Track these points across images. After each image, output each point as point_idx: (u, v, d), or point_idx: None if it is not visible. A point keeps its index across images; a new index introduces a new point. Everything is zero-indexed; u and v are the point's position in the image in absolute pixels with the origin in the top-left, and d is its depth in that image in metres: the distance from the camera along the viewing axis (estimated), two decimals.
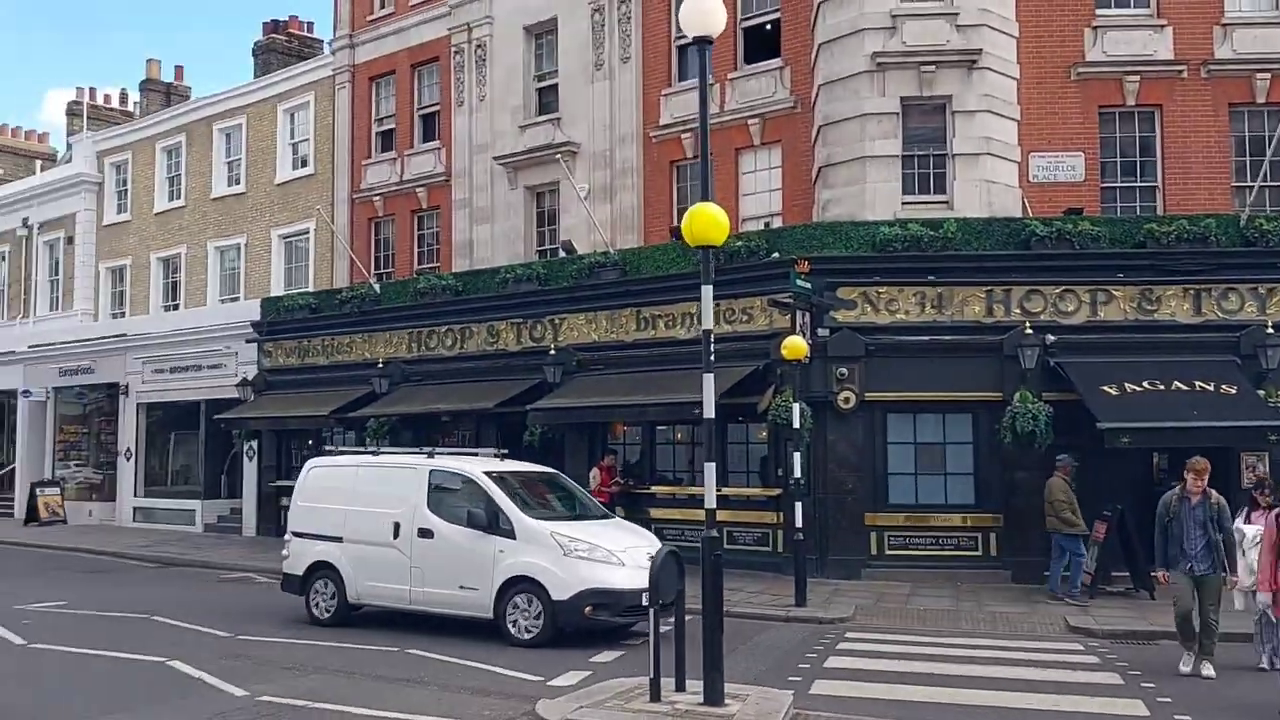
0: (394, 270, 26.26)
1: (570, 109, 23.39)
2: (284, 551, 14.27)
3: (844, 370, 17.00)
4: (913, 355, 16.96)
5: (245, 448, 26.15)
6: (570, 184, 21.70)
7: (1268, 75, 17.97)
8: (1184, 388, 15.89)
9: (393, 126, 26.89)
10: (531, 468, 14.74)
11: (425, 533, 12.68)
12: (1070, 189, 18.16)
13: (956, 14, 17.81)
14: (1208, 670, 10.35)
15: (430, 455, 13.76)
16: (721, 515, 18.05)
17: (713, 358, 8.94)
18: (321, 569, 13.51)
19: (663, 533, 18.77)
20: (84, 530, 27.83)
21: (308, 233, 28.24)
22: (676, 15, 21.55)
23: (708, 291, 8.88)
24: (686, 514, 18.50)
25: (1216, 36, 18.23)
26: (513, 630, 11.91)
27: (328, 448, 15.43)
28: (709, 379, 8.84)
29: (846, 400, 16.99)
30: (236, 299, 29.47)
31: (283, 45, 32.26)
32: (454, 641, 12.02)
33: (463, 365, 22.39)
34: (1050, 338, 16.70)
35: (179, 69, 37.56)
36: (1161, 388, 15.93)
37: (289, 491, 25.09)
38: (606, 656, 11.22)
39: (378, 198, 26.67)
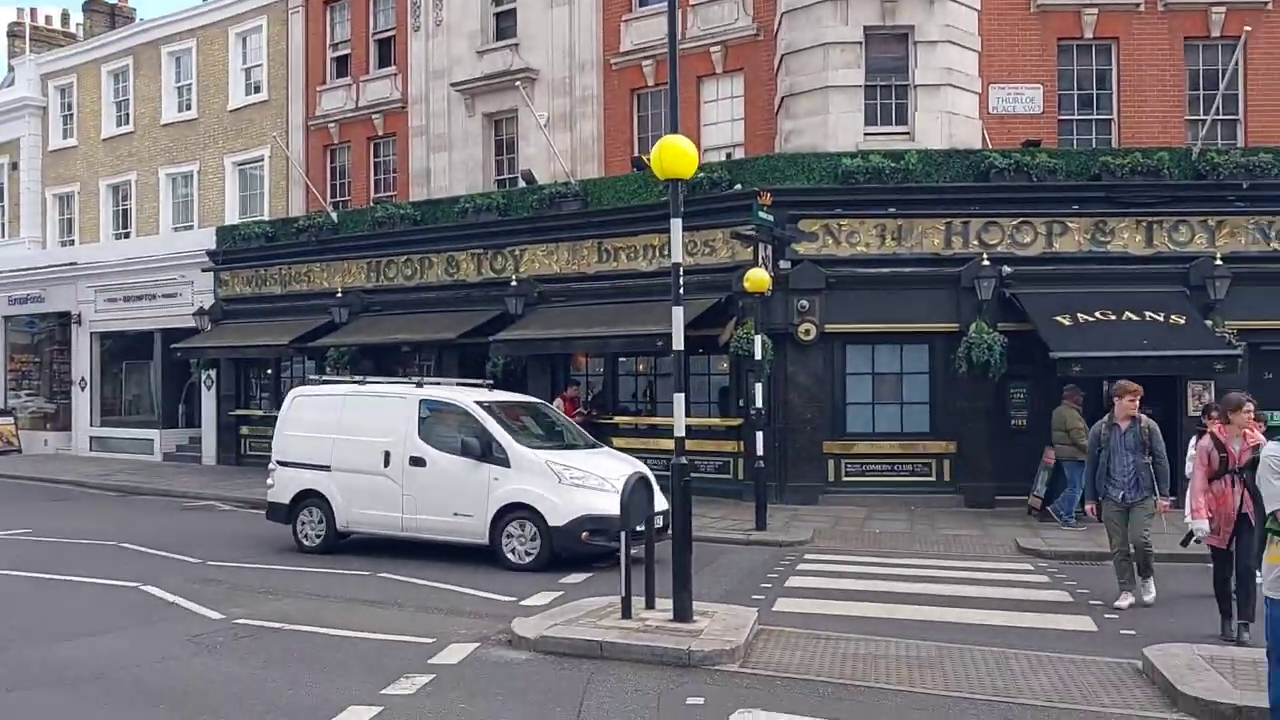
0: (350, 199, 26.00)
1: (529, 34, 23.12)
2: (269, 480, 14.22)
3: (805, 302, 17.23)
4: (872, 287, 17.23)
5: (203, 377, 26.00)
6: (530, 111, 21.53)
7: (1223, 9, 18.19)
8: (1135, 318, 16.30)
9: (348, 52, 26.42)
10: (519, 398, 14.84)
11: (417, 461, 12.75)
12: (1029, 121, 18.37)
13: None
14: (1148, 595, 10.11)
15: (419, 385, 13.75)
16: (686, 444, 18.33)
17: (682, 290, 9.01)
18: (309, 497, 13.55)
19: None
20: (41, 459, 27.66)
21: (262, 160, 27.80)
22: None
23: (677, 224, 8.99)
24: (648, 443, 18.74)
25: None
26: (510, 555, 12.09)
27: (312, 377, 15.34)
28: (678, 311, 9.01)
29: (807, 332, 17.25)
30: (190, 227, 29.04)
31: None
32: (425, 566, 12.25)
33: (422, 295, 22.36)
34: (1006, 269, 17.02)
35: None
36: (1113, 318, 16.33)
37: (248, 420, 25.36)
38: (575, 578, 11.49)
39: (333, 125, 26.29)
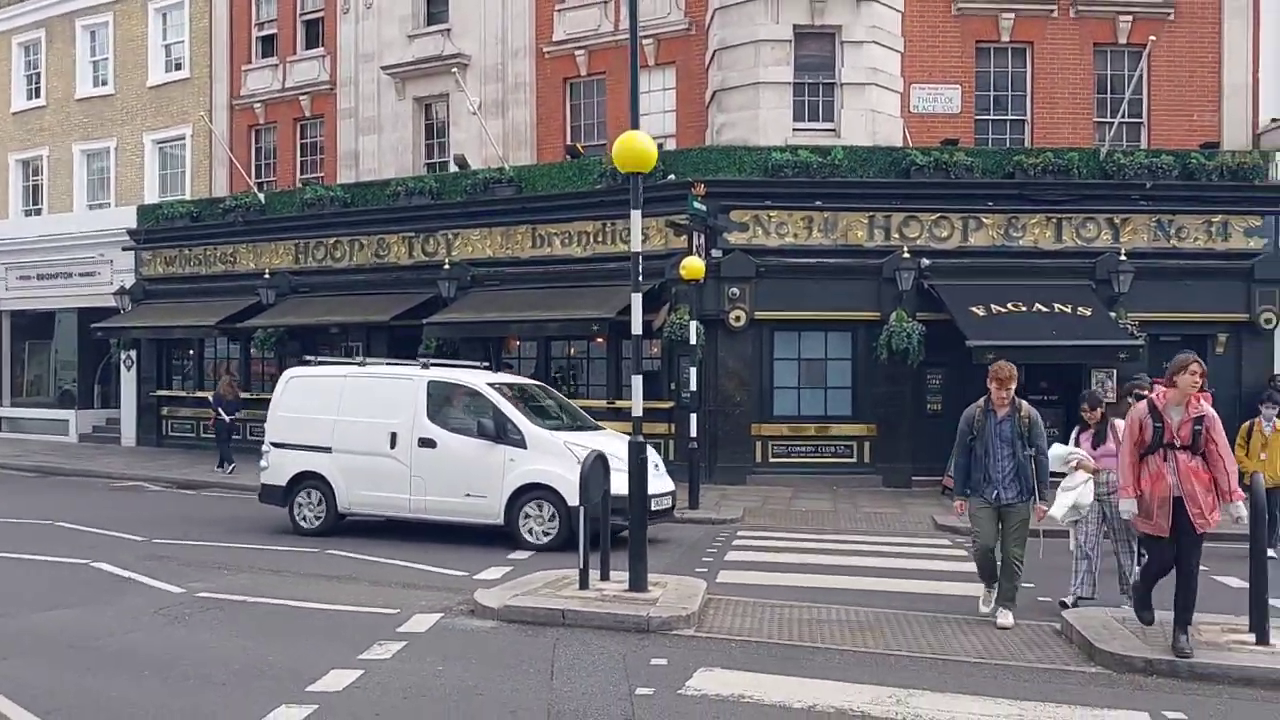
0: (276, 180, 25.87)
1: (461, 20, 23.28)
2: (262, 463, 14.04)
3: (735, 290, 17.85)
4: (799, 276, 17.94)
5: (123, 357, 25.65)
6: (464, 97, 21.71)
7: (1130, 18, 19.25)
8: (1044, 309, 17.27)
9: (274, 31, 26.23)
10: (522, 379, 14.90)
11: (427, 442, 12.70)
12: (947, 120, 19.22)
13: None
14: (1005, 619, 8.51)
15: (425, 366, 13.63)
16: (618, 426, 18.94)
17: (641, 278, 9.48)
18: (307, 479, 13.42)
19: None
20: None
21: (184, 138, 27.44)
22: None
23: (636, 216, 9.41)
24: None
25: None
26: (527, 536, 12.18)
27: (308, 358, 15.20)
28: (637, 298, 9.47)
29: (737, 318, 17.87)
30: (106, 205, 28.55)
31: None
32: (369, 543, 12.56)
33: (352, 277, 22.45)
34: (925, 261, 17.86)
35: None
36: (1024, 309, 17.27)
37: (171, 401, 25.13)
38: (521, 555, 11.89)
39: (259, 105, 26.10)
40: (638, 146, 9.01)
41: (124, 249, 25.73)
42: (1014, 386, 8.56)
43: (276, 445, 13.85)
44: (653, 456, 13.00)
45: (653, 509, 12.26)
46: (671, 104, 20.70)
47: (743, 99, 18.68)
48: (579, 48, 21.56)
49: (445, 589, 9.98)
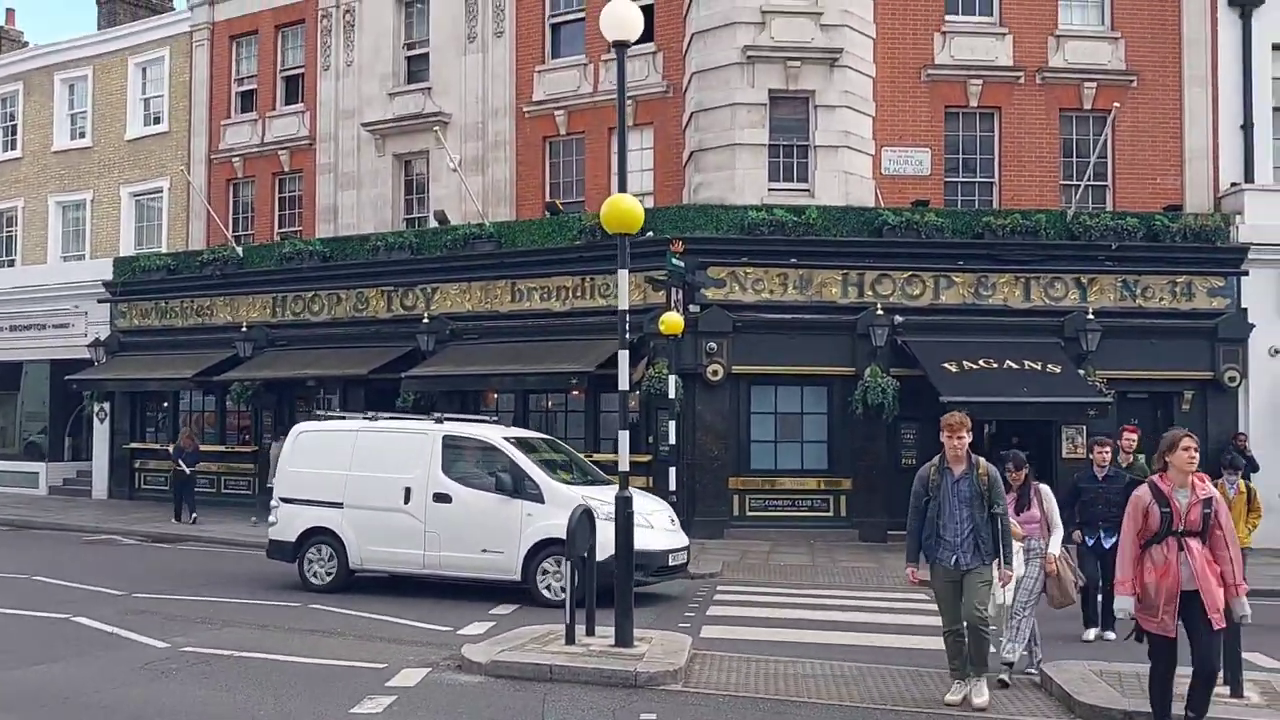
0: (254, 233, 25.98)
1: (442, 79, 23.64)
2: (271, 518, 13.79)
3: (713, 345, 18.11)
4: (776, 332, 18.24)
5: (96, 409, 25.51)
6: (445, 154, 21.95)
7: (1094, 84, 19.86)
8: (1015, 366, 17.64)
9: (254, 87, 26.49)
10: (535, 434, 14.82)
11: (442, 497, 12.58)
12: (918, 182, 19.68)
13: (821, 14, 19.02)
14: (980, 697, 7.80)
15: (439, 421, 13.54)
16: None
17: (627, 334, 9.69)
18: (317, 535, 13.19)
19: None
20: None
21: (161, 191, 27.54)
22: None
23: (624, 275, 9.68)
24: None
25: (1051, 46, 20.01)
26: (545, 592, 12.03)
27: (318, 412, 15.13)
28: (624, 355, 9.68)
29: (715, 373, 18.12)
30: (81, 257, 28.53)
31: None
32: (353, 598, 12.57)
33: (330, 331, 22.55)
34: (898, 318, 18.21)
35: (10, 12, 35.63)
36: (995, 366, 17.64)
37: (144, 454, 24.99)
38: (503, 610, 11.96)
39: (237, 159, 26.28)
40: (626, 208, 9.27)
41: (99, 301, 25.70)
42: (968, 437, 7.77)
43: (286, 500, 13.58)
44: (668, 512, 13.16)
45: (670, 564, 12.49)
46: (649, 163, 21.08)
47: (719, 159, 19.09)
48: (559, 108, 21.95)
49: (430, 644, 10.04)
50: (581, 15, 22.03)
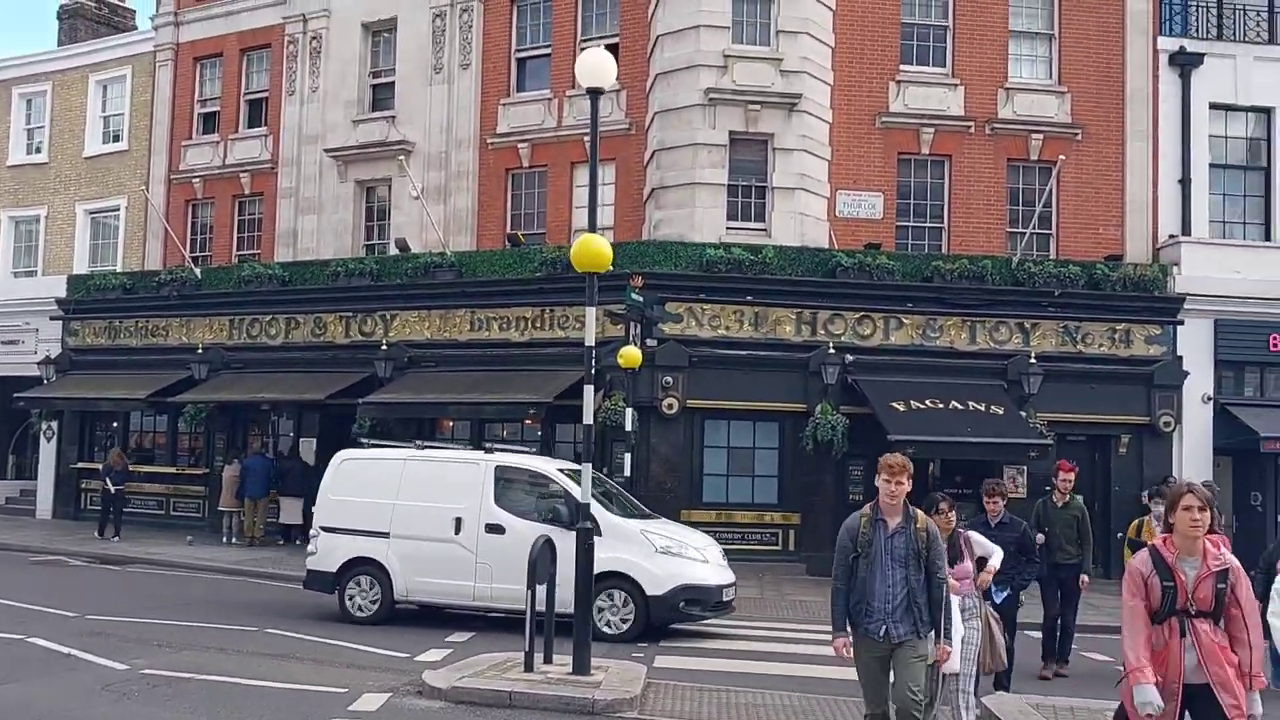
0: (212, 255, 25.96)
1: (407, 108, 23.90)
2: (310, 547, 13.50)
3: (669, 379, 18.47)
4: (730, 367, 18.66)
5: (44, 428, 25.28)
6: (409, 181, 22.17)
7: (1041, 136, 20.59)
8: (960, 407, 18.18)
9: (217, 109, 26.55)
10: (573, 465, 14.54)
11: (495, 528, 12.41)
12: (870, 225, 20.24)
13: (781, 60, 19.58)
14: None
15: (490, 450, 13.45)
16: None
17: (595, 367, 10.00)
18: (360, 565, 12.90)
19: None
20: None
21: (118, 210, 27.46)
22: (517, 27, 22.82)
23: (591, 313, 9.99)
24: None
25: (1000, 98, 20.73)
26: (602, 627, 11.88)
27: (362, 440, 14.89)
28: (589, 390, 9.96)
29: (670, 406, 18.47)
30: (34, 273, 28.32)
31: (92, 12, 31.20)
32: (304, 623, 12.68)
33: (287, 355, 22.61)
34: (849, 357, 18.70)
35: None
36: (941, 406, 18.16)
37: (91, 474, 24.78)
38: (459, 637, 12.15)
39: (198, 180, 26.29)
40: (595, 249, 9.60)
41: (52, 318, 25.53)
42: (907, 484, 6.51)
43: (326, 530, 13.26)
44: (717, 547, 13.21)
45: (724, 599, 12.58)
46: (611, 198, 21.44)
47: (679, 197, 19.52)
48: (522, 140, 22.29)
49: (389, 669, 10.22)
50: (548, 50, 22.45)
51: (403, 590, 12.79)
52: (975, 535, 8.62)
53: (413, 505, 12.79)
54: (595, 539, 11.96)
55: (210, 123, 26.71)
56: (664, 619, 12.16)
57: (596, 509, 12.27)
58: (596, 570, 11.80)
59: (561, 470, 13.08)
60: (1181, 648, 5.14)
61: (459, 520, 12.53)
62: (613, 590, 12.05)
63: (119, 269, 26.43)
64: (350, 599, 12.98)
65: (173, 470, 24.28)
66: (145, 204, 26.22)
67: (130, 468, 22.69)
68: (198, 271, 23.96)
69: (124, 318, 24.72)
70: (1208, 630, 5.13)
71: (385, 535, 12.85)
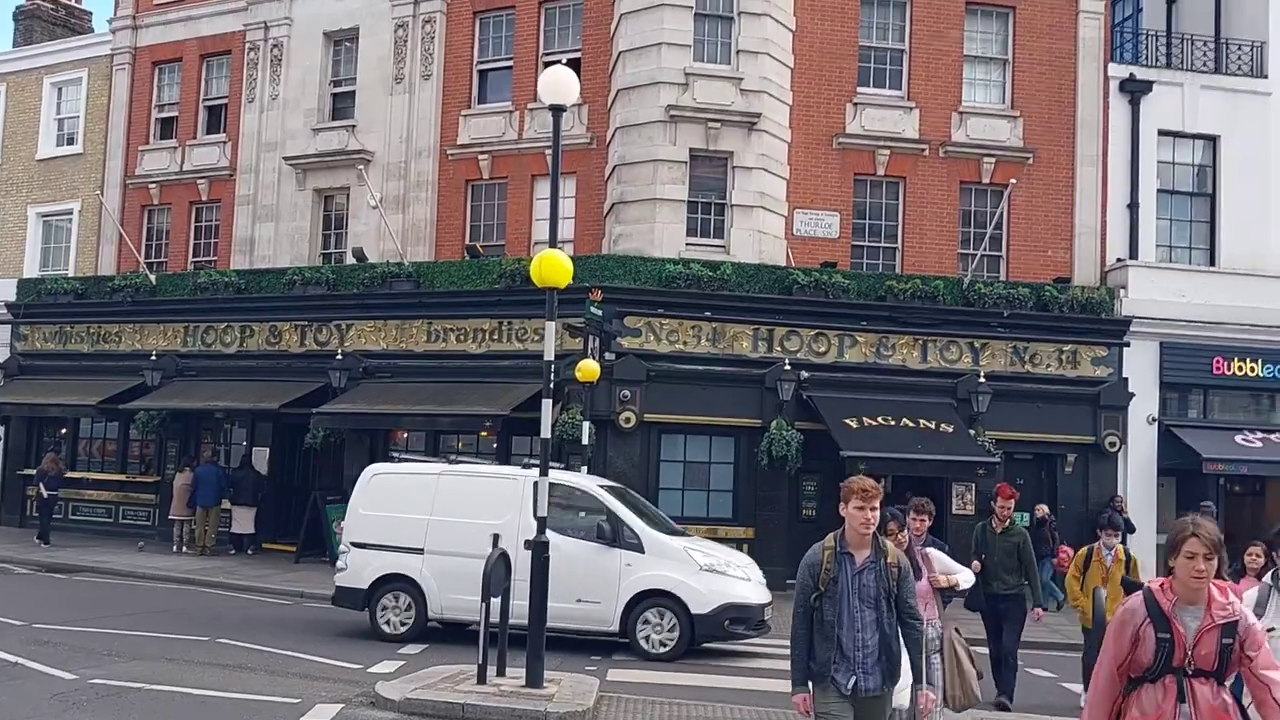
0: (168, 261, 25.71)
1: (367, 118, 23.85)
2: (340, 564, 13.24)
3: (626, 393, 18.59)
4: (688, 382, 18.82)
5: None
6: (368, 190, 22.09)
7: (993, 160, 20.96)
8: (911, 424, 18.46)
9: (175, 114, 26.34)
10: (610, 482, 14.53)
11: None
12: (827, 244, 20.50)
13: (741, 79, 19.81)
14: None
15: (527, 466, 13.14)
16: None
17: (553, 380, 10.10)
18: (393, 581, 12.70)
19: None
20: None
21: (71, 214, 27.12)
22: (480, 39, 22.89)
23: (551, 328, 10.09)
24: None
25: (954, 122, 21.10)
26: (644, 644, 11.97)
27: (396, 454, 14.64)
28: (547, 403, 10.06)
29: (627, 420, 18.58)
30: None
31: (49, 13, 30.82)
32: (256, 632, 12.64)
33: (242, 363, 22.46)
34: (804, 374, 18.93)
35: None
36: (893, 423, 18.43)
37: (33, 480, 24.36)
38: (412, 649, 12.18)
39: (154, 185, 26.05)
40: (556, 264, 9.71)
41: (0, 322, 25.15)
42: (878, 507, 5.62)
43: (357, 545, 13.02)
44: (755, 566, 13.19)
45: (764, 619, 12.54)
46: (571, 211, 21.51)
47: (639, 212, 19.68)
48: (482, 152, 22.34)
49: (342, 680, 10.23)
50: (509, 63, 22.53)
51: (437, 608, 12.60)
52: (935, 554, 8.27)
53: (448, 521, 12.54)
54: (637, 556, 12.00)
55: (168, 128, 26.49)
56: (708, 637, 12.14)
57: (639, 525, 12.36)
58: (641, 588, 11.90)
59: (602, 486, 13.08)
60: (1177, 713, 4.29)
61: (496, 537, 12.21)
62: (659, 608, 11.98)
63: (71, 273, 26.12)
64: (382, 616, 12.75)
65: (122, 478, 24.01)
66: (99, 208, 25.93)
67: (70, 474, 22.46)
68: (152, 277, 23.75)
69: (75, 323, 24.44)
70: (1208, 694, 4.31)
71: (419, 551, 12.57)
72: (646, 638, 12.06)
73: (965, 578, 8.31)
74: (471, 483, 13.05)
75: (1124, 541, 11.94)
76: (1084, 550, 11.06)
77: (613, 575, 12.15)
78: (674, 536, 12.96)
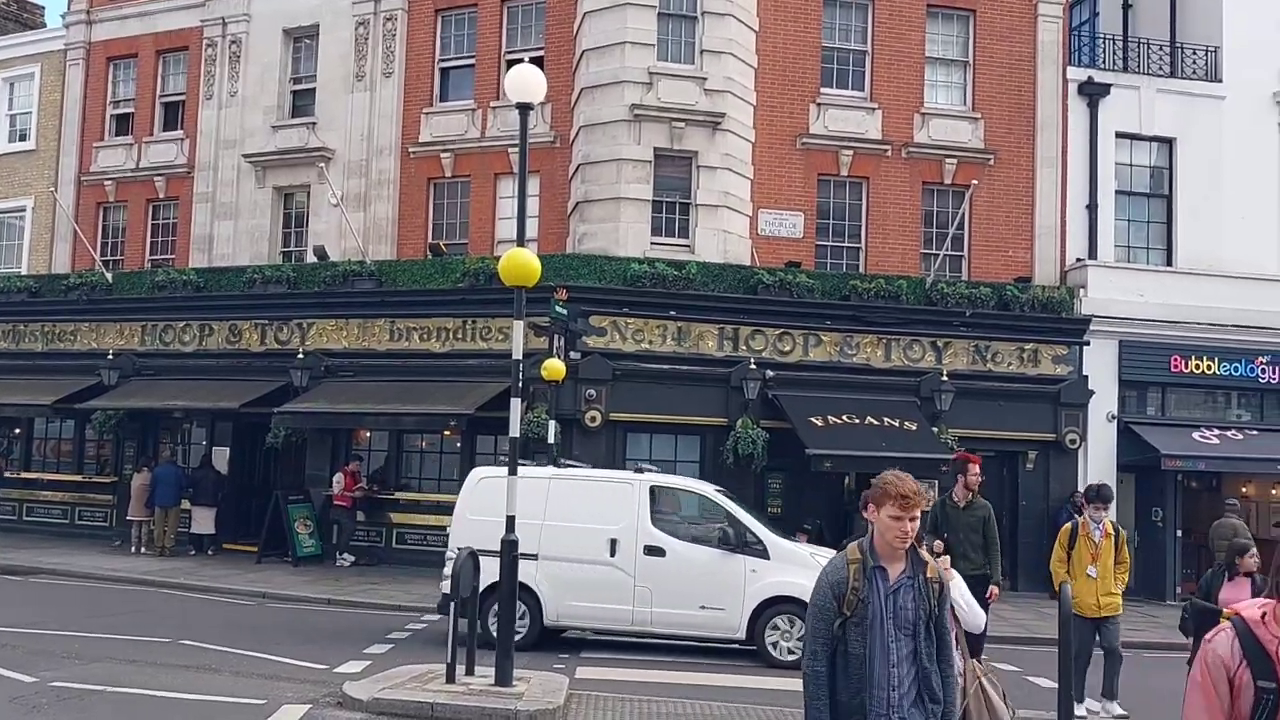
0: (124, 259, 25.32)
1: (327, 115, 23.63)
2: (446, 570, 12.36)
3: (592, 391, 18.57)
4: (653, 381, 18.83)
5: None
6: (329, 188, 21.90)
7: (955, 161, 21.15)
8: (875, 422, 18.58)
9: (131, 111, 25.95)
10: (720, 487, 14.18)
11: (654, 550, 12.10)
12: (791, 244, 20.59)
13: (705, 79, 19.85)
14: None
15: (640, 470, 13.09)
16: None
17: (521, 380, 10.05)
18: None
19: (405, 538, 19.76)
20: None
21: (24, 211, 26.65)
22: (441, 37, 22.77)
23: (519, 326, 10.07)
24: (428, 519, 19.53)
25: (917, 123, 21.26)
26: (772, 651, 11.83)
27: (503, 456, 14.18)
28: (516, 403, 10.05)
29: (593, 419, 18.56)
30: None
31: (0, 8, 30.29)
32: (219, 634, 12.48)
33: (201, 362, 22.19)
34: (769, 373, 18.99)
35: None
36: (857, 421, 18.54)
37: None
38: (378, 649, 12.08)
39: (109, 182, 25.66)
40: (524, 262, 9.68)
41: None
42: (919, 517, 4.37)
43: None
44: None
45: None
46: (535, 210, 21.33)
47: (604, 211, 19.66)
48: (445, 150, 22.21)
49: (309, 681, 10.12)
50: (472, 61, 22.42)
51: (553, 615, 12.34)
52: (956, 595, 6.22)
53: (562, 526, 12.23)
54: (762, 562, 11.88)
55: (124, 124, 26.10)
56: None
57: (762, 530, 12.30)
58: (769, 594, 11.77)
59: (719, 491, 12.95)
60: None
61: (614, 542, 12.12)
62: (789, 615, 11.78)
63: (24, 271, 25.68)
64: (495, 623, 12.35)
65: (79, 478, 23.64)
66: (53, 205, 25.49)
67: (25, 474, 22.09)
68: (108, 276, 23.39)
69: (29, 321, 24.02)
70: None
71: (533, 557, 12.02)
72: (775, 645, 11.93)
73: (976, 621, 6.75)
74: (583, 487, 12.77)
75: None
76: (1066, 528, 10.20)
77: (737, 581, 11.96)
78: (794, 541, 12.92)
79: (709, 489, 13.06)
